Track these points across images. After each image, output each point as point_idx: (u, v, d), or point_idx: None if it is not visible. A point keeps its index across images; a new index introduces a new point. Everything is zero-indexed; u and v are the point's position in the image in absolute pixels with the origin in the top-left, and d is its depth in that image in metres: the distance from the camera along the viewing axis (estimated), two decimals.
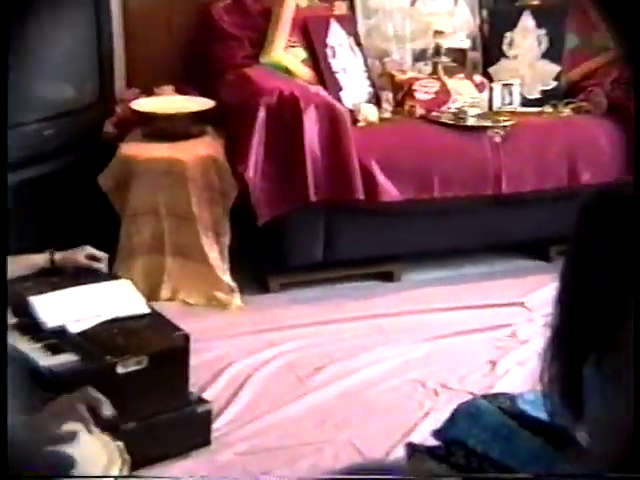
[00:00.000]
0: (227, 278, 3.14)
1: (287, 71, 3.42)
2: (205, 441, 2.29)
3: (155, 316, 2.33)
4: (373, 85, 3.56)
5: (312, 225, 3.20)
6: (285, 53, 3.46)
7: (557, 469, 1.66)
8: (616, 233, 1.52)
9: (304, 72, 3.45)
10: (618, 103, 3.47)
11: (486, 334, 2.94)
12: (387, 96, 3.51)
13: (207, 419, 2.31)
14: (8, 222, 1.49)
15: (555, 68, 3.73)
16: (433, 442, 1.96)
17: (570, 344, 1.58)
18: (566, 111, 3.58)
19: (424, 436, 2.15)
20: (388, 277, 3.37)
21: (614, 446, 1.47)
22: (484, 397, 1.98)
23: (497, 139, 3.34)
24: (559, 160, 3.38)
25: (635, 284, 1.43)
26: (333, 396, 2.58)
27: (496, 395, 2.02)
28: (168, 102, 3.39)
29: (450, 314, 3.08)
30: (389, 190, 3.19)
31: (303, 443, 2.34)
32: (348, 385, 2.63)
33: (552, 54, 3.73)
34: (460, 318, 3.05)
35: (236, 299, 3.13)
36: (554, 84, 3.73)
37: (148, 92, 3.46)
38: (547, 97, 3.69)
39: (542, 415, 1.76)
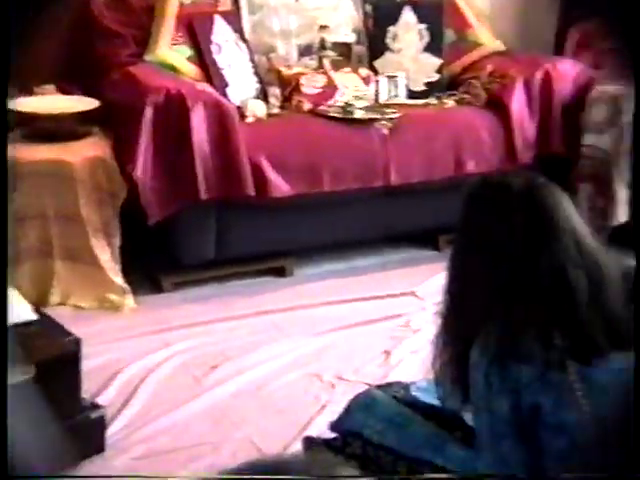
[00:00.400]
0: (119, 280, 3.09)
1: (173, 69, 3.39)
2: (99, 447, 2.25)
3: (43, 322, 2.27)
4: (260, 81, 3.56)
5: (203, 223, 3.18)
6: (170, 51, 3.42)
7: (448, 451, 1.70)
8: (499, 220, 1.57)
9: (190, 69, 3.42)
10: (494, 95, 3.58)
11: (380, 325, 2.98)
12: (274, 91, 3.52)
13: (101, 425, 2.27)
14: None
15: (437, 61, 3.82)
16: (331, 434, 1.98)
17: (458, 330, 1.62)
18: (449, 103, 3.66)
19: (322, 429, 2.16)
20: (281, 272, 3.38)
21: (497, 427, 1.52)
22: (379, 387, 2.02)
23: (385, 131, 3.38)
24: (445, 150, 3.46)
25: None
26: (229, 394, 2.57)
27: (390, 384, 2.06)
28: (50, 102, 3.30)
29: (343, 306, 3.12)
30: (279, 185, 3.20)
31: (200, 443, 2.33)
32: (244, 382, 2.62)
33: (433, 48, 3.81)
34: (354, 310, 3.09)
35: (129, 300, 3.08)
36: (437, 77, 3.81)
37: (28, 92, 3.36)
38: (431, 89, 3.77)
39: (434, 401, 1.80)
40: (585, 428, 1.46)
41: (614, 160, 3.49)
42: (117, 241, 3.10)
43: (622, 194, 3.49)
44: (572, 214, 1.57)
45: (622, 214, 3.49)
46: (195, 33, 3.45)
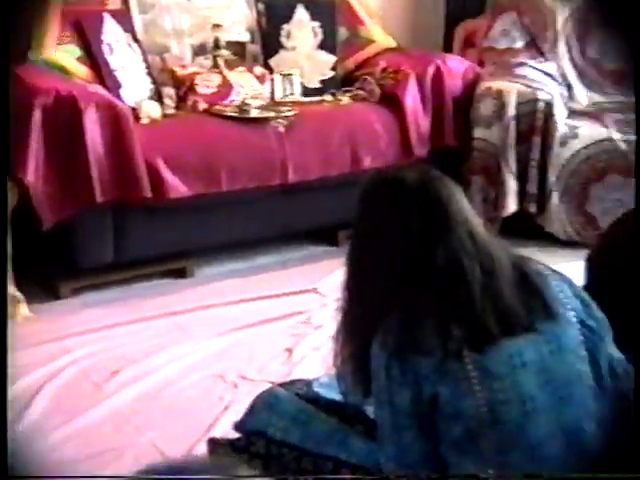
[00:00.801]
0: (11, 289, 3.00)
1: (62, 69, 3.30)
2: None
3: None
4: (154, 81, 3.52)
5: (100, 226, 3.12)
6: (58, 51, 3.33)
7: (351, 445, 1.72)
8: (394, 214, 1.59)
9: (81, 70, 3.34)
10: (388, 91, 3.64)
11: (282, 322, 2.99)
12: (169, 92, 3.48)
13: None
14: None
15: (331, 58, 3.85)
16: (235, 434, 1.97)
17: (358, 325, 1.64)
18: (345, 99, 3.70)
19: (226, 429, 2.15)
20: (182, 273, 3.35)
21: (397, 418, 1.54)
22: (281, 385, 2.02)
23: (281, 129, 3.39)
24: (341, 147, 3.49)
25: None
26: (132, 399, 2.53)
27: (293, 382, 2.07)
28: None
29: (245, 305, 3.11)
30: (177, 186, 3.17)
31: (103, 450, 2.28)
32: (147, 386, 2.59)
33: (327, 45, 3.85)
34: (255, 309, 3.08)
35: (23, 309, 3.00)
36: (331, 74, 3.84)
37: None
38: (326, 86, 3.80)
39: (336, 396, 1.82)
40: (479, 414, 1.49)
41: (502, 153, 3.59)
42: (8, 249, 3.01)
43: (511, 185, 3.59)
44: (465, 206, 1.60)
45: (511, 204, 3.60)
46: (84, 33, 3.38)
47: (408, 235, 1.56)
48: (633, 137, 3.46)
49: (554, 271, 1.66)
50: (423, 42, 4.29)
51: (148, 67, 3.52)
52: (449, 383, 1.49)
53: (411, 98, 3.61)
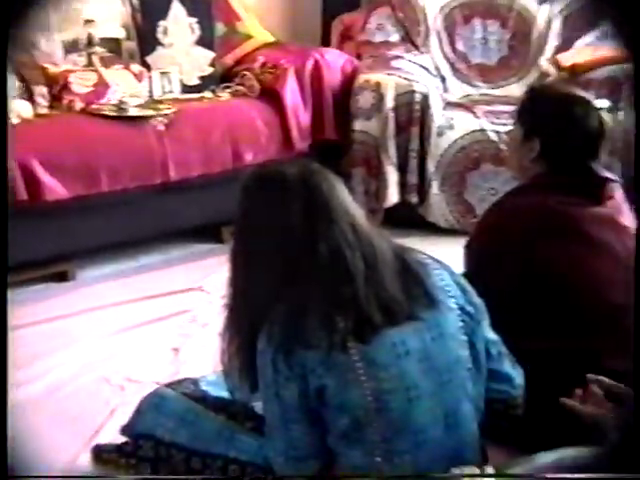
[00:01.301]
0: None
1: None
2: None
3: None
4: (23, 79, 3.39)
5: None
6: None
7: (238, 442, 1.72)
8: (275, 209, 1.59)
9: None
10: (267, 86, 3.64)
11: (167, 322, 2.95)
12: (41, 91, 3.37)
13: None
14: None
15: (209, 54, 3.83)
16: (123, 439, 1.94)
17: (244, 321, 1.63)
18: (224, 95, 3.68)
19: (114, 434, 2.11)
20: (63, 277, 3.27)
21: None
22: (168, 385, 2.00)
23: (161, 127, 3.35)
24: (223, 143, 3.47)
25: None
26: (12, 408, 2.43)
27: (180, 381, 2.05)
28: None
29: (130, 306, 3.05)
30: (54, 188, 3.09)
31: None
32: (29, 394, 2.49)
33: (204, 41, 3.82)
34: (141, 309, 3.03)
35: None
36: (210, 70, 3.82)
37: None
38: (205, 83, 3.77)
39: (224, 393, 1.81)
40: (365, 404, 1.51)
41: (382, 144, 3.65)
42: None
43: (392, 176, 3.64)
44: (346, 199, 1.62)
45: (393, 195, 3.65)
46: None
47: (290, 229, 1.56)
48: (501, 128, 3.57)
49: (435, 260, 1.69)
50: (301, 36, 4.31)
51: (14, 63, 3.39)
52: (335, 375, 1.51)
53: (290, 93, 3.62)
